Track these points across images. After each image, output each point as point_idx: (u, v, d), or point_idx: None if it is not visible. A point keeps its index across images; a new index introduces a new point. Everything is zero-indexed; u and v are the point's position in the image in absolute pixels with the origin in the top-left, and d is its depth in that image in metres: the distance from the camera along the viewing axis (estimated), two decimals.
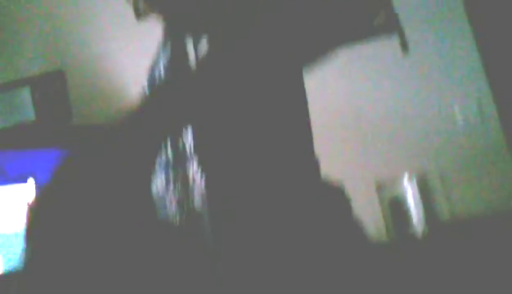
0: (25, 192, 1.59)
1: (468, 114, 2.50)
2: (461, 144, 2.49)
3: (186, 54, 0.81)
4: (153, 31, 1.05)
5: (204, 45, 0.79)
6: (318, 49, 0.84)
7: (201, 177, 0.75)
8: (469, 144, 2.48)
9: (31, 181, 1.64)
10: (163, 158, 0.82)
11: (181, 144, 0.80)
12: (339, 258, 0.79)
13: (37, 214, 0.63)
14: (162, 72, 0.87)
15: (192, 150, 0.78)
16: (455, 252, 2.16)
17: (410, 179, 2.44)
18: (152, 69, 0.92)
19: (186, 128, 0.79)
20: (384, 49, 2.53)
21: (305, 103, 0.87)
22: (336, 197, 0.91)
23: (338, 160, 2.49)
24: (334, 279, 0.77)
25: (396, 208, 2.44)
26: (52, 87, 2.59)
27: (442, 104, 2.51)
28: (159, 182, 0.82)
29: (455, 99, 2.51)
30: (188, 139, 0.79)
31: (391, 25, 2.48)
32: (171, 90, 0.75)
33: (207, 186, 0.75)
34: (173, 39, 0.86)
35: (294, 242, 0.75)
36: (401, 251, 2.24)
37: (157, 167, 0.83)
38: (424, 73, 2.54)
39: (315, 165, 0.89)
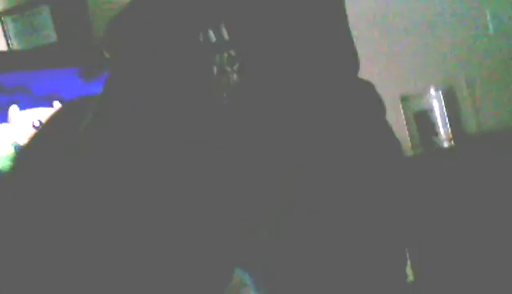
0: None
1: (500, 20, 2.39)
2: (492, 53, 2.41)
3: None
4: None
5: None
6: None
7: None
8: (500, 53, 2.40)
9: (57, 104, 1.65)
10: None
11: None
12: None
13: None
14: None
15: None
16: (482, 166, 2.15)
17: (436, 91, 2.40)
18: None
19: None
20: None
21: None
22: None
23: (361, 71, 2.45)
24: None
25: (421, 121, 2.42)
26: (72, 5, 2.56)
27: (472, 9, 2.41)
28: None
29: (487, 3, 2.40)
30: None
31: None
32: None
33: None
34: None
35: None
36: (426, 165, 2.24)
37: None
38: None
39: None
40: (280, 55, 0.74)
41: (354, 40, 0.95)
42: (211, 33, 0.73)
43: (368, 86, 0.93)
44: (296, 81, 0.75)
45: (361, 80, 0.92)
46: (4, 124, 1.55)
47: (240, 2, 0.74)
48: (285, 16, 0.75)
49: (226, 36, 0.73)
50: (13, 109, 1.57)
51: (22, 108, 1.62)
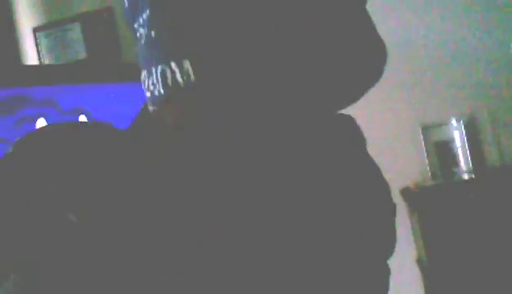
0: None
1: None
2: None
3: None
4: None
5: None
6: None
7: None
8: None
9: (83, 118, 1.69)
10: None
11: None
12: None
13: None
14: None
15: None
16: (502, 199, 2.13)
17: (458, 121, 2.39)
18: None
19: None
20: None
21: None
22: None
23: (384, 100, 2.45)
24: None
25: (442, 152, 2.41)
26: (102, 24, 2.63)
27: (496, 41, 2.41)
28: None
29: (511, 35, 2.40)
30: None
31: None
32: None
33: None
34: None
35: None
36: (446, 196, 2.22)
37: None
38: (478, 8, 2.43)
39: None
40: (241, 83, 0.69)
41: None
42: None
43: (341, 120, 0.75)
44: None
45: (337, 114, 0.75)
46: None
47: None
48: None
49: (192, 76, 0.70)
50: (40, 122, 1.61)
51: (49, 121, 1.66)
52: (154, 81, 0.75)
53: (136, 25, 0.80)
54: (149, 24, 0.75)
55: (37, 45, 2.65)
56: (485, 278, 2.09)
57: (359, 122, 0.83)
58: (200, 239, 0.61)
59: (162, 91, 0.74)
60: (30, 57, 2.68)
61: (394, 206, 0.78)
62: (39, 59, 2.64)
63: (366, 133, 0.84)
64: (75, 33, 2.61)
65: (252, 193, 0.64)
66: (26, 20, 2.69)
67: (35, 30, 2.67)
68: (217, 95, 0.69)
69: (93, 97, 1.73)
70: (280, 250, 0.63)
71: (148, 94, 0.78)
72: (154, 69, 0.75)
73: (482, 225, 2.11)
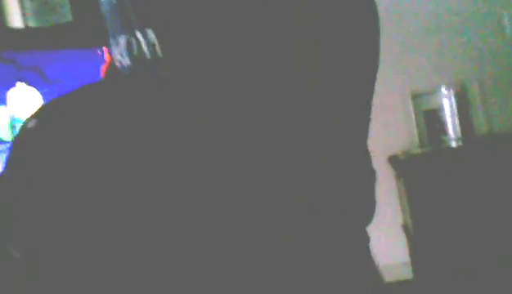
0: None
1: None
2: (506, 55, 2.39)
3: None
4: None
5: None
6: None
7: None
8: None
9: (66, 85, 1.67)
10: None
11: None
12: None
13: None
14: None
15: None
16: (489, 167, 2.15)
17: (448, 89, 2.39)
18: None
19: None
20: None
21: None
22: None
23: None
24: None
25: (431, 120, 2.42)
26: None
27: (489, 10, 2.39)
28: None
29: (505, 6, 2.38)
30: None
31: None
32: None
33: None
34: None
35: None
36: (434, 164, 2.24)
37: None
38: None
39: None
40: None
41: None
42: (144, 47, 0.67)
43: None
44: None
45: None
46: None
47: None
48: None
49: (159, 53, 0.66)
50: (19, 85, 1.59)
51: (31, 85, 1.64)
52: (122, 51, 0.72)
53: None
54: None
55: (22, 8, 2.59)
56: (469, 243, 2.12)
57: None
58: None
59: (129, 62, 0.72)
60: (15, 21, 2.62)
61: (374, 172, 0.77)
62: (24, 22, 2.58)
63: None
64: None
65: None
66: None
67: None
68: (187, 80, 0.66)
69: (79, 64, 1.71)
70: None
71: (117, 64, 0.75)
72: (119, 39, 0.72)
73: (467, 193, 2.14)
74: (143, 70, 0.70)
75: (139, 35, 0.69)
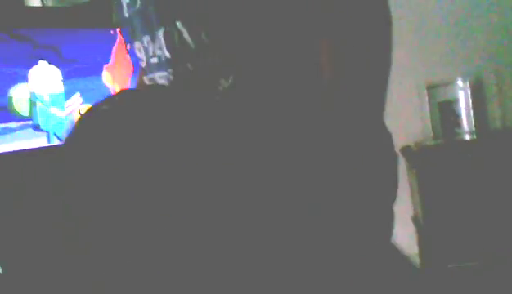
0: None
1: None
2: None
3: None
4: None
5: None
6: None
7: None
8: None
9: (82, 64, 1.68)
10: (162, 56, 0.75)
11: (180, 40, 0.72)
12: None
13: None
14: None
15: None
16: (502, 162, 2.13)
17: (464, 81, 2.37)
18: None
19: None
20: None
21: None
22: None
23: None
24: None
25: (446, 111, 2.40)
26: None
27: (508, 2, 2.36)
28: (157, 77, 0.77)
29: None
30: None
31: None
32: None
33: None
34: None
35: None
36: (446, 155, 2.23)
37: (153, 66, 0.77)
38: None
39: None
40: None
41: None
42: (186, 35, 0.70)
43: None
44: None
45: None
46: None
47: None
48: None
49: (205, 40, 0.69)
50: (41, 64, 1.60)
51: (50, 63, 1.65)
52: (162, 44, 0.73)
53: None
54: None
55: None
56: (479, 238, 2.12)
57: None
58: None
59: (168, 54, 0.72)
60: (33, 1, 2.64)
61: (396, 155, 0.82)
62: (42, 1, 2.59)
63: None
64: None
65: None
66: None
67: None
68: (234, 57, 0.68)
69: (95, 44, 1.72)
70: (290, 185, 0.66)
71: (155, 60, 0.76)
72: (157, 33, 0.73)
73: (479, 187, 2.13)
74: (184, 60, 0.71)
75: (180, 25, 0.70)
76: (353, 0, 0.70)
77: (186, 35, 0.70)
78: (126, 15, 0.79)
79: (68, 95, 1.62)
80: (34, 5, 2.55)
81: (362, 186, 0.72)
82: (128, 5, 0.78)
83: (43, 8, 2.38)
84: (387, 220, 0.78)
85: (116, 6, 0.81)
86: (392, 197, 0.80)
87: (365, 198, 0.73)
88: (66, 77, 1.67)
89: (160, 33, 0.73)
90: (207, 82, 0.71)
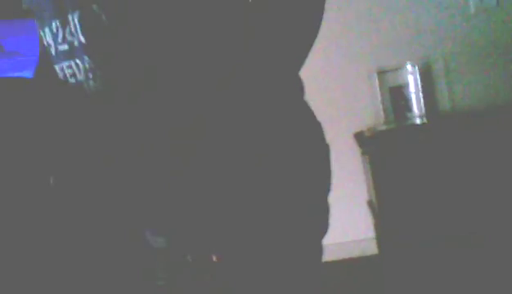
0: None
1: (482, 0, 2.39)
2: (470, 32, 2.41)
3: None
4: None
5: None
6: None
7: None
8: (479, 33, 2.41)
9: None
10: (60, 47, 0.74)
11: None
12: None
13: None
14: None
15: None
16: (453, 144, 2.18)
17: (413, 66, 2.40)
18: None
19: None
20: None
21: None
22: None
23: (339, 44, 2.43)
24: None
25: (396, 96, 2.43)
26: None
27: None
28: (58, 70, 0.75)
29: None
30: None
31: None
32: None
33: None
34: None
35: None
36: (398, 140, 2.26)
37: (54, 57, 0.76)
38: None
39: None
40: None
41: (334, 13, 0.85)
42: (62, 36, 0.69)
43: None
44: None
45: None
46: None
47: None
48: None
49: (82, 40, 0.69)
50: None
51: None
52: (72, 29, 0.71)
53: None
54: None
55: None
56: (432, 220, 2.16)
57: (316, 65, 0.83)
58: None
59: (82, 38, 0.70)
60: None
61: (327, 146, 0.80)
62: None
63: (323, 77, 0.85)
64: None
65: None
66: None
67: None
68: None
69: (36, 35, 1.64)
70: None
71: (65, 47, 0.73)
72: (70, 17, 0.70)
73: (432, 170, 2.17)
74: (102, 45, 0.69)
75: (96, 8, 0.68)
76: None
77: (103, 17, 0.68)
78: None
79: None
80: None
81: (287, 178, 0.71)
82: None
83: None
84: (319, 212, 0.77)
85: None
86: (324, 189, 0.78)
87: (292, 191, 0.71)
88: (8, 70, 1.60)
89: (75, 17, 0.70)
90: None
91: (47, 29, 0.75)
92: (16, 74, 1.63)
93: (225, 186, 0.64)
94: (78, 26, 0.70)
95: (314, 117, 0.80)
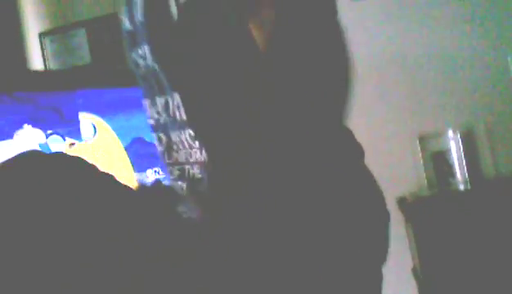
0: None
1: None
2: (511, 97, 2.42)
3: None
4: None
5: None
6: None
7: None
8: None
9: (87, 124, 1.70)
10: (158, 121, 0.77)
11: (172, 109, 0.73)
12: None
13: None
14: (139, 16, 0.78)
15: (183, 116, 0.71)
16: (497, 211, 2.15)
17: (455, 133, 2.42)
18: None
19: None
20: None
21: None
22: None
23: (382, 111, 2.48)
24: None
25: (439, 162, 2.44)
26: (107, 30, 2.66)
27: (494, 53, 2.44)
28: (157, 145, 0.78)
29: (509, 49, 2.43)
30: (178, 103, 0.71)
31: None
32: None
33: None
34: None
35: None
36: (441, 206, 2.25)
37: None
38: (477, 19, 2.45)
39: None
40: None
41: (375, 78, 0.84)
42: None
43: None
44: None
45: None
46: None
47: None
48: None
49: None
50: (26, 127, 1.62)
51: (47, 127, 1.68)
52: (159, 110, 0.76)
53: (134, 55, 0.81)
54: (151, 58, 0.76)
55: (42, 50, 2.69)
56: (476, 288, 2.11)
57: (358, 131, 0.85)
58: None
59: (167, 119, 0.75)
60: (36, 62, 2.72)
61: (388, 214, 0.81)
62: (45, 64, 2.67)
63: (365, 143, 0.86)
64: (80, 38, 2.65)
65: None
66: (32, 24, 2.73)
67: (41, 35, 2.71)
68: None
69: (96, 103, 1.75)
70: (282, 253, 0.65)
71: (152, 122, 0.79)
72: (158, 100, 0.76)
73: (476, 236, 2.14)
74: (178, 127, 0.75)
75: (176, 96, 0.73)
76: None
77: (174, 107, 0.72)
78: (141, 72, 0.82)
79: None
80: (37, 66, 2.63)
81: (347, 246, 0.71)
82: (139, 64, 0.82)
83: (45, 71, 2.46)
84: (374, 281, 0.77)
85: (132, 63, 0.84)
86: (381, 258, 0.77)
87: (350, 259, 0.71)
88: (66, 136, 1.69)
89: (161, 100, 0.76)
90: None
91: (146, 102, 0.81)
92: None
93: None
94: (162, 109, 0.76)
95: (376, 182, 0.79)
